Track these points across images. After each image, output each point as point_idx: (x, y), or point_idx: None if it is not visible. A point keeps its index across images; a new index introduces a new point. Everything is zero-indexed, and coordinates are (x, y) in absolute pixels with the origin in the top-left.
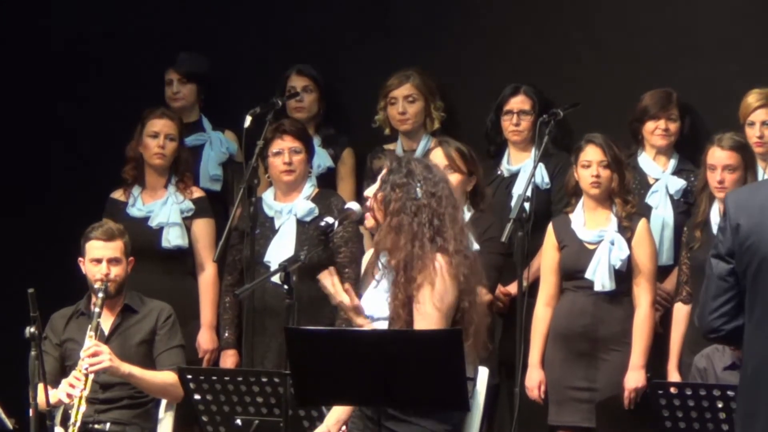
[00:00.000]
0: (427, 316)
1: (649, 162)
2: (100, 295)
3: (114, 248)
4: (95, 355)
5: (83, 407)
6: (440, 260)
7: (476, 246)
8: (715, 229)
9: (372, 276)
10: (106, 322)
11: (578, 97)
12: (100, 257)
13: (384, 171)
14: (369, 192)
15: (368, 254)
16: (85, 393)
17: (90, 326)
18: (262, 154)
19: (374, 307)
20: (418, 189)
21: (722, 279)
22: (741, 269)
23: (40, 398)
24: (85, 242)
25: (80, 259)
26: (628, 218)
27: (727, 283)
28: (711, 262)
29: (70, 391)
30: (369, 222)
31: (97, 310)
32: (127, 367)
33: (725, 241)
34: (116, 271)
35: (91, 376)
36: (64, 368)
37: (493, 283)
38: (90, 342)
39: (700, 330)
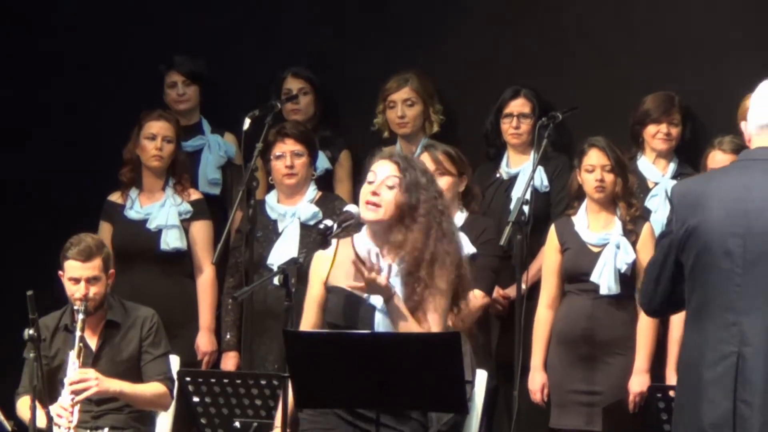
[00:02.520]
0: (442, 311)
1: (648, 166)
2: (81, 316)
3: (92, 267)
4: (81, 381)
5: None
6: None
7: (473, 249)
8: None
9: (349, 270)
10: (91, 340)
11: (578, 100)
12: (78, 277)
13: (385, 165)
14: (372, 188)
15: (328, 251)
16: (73, 424)
17: (73, 352)
18: (262, 157)
19: (380, 299)
20: (433, 187)
21: (669, 267)
22: (683, 257)
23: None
24: (63, 260)
25: (60, 272)
26: (632, 222)
27: (669, 273)
28: (659, 249)
29: (58, 422)
30: (371, 215)
31: (78, 333)
32: (116, 385)
33: (672, 231)
34: (95, 290)
35: (78, 406)
36: (55, 379)
37: (489, 286)
38: (73, 368)
39: (643, 306)
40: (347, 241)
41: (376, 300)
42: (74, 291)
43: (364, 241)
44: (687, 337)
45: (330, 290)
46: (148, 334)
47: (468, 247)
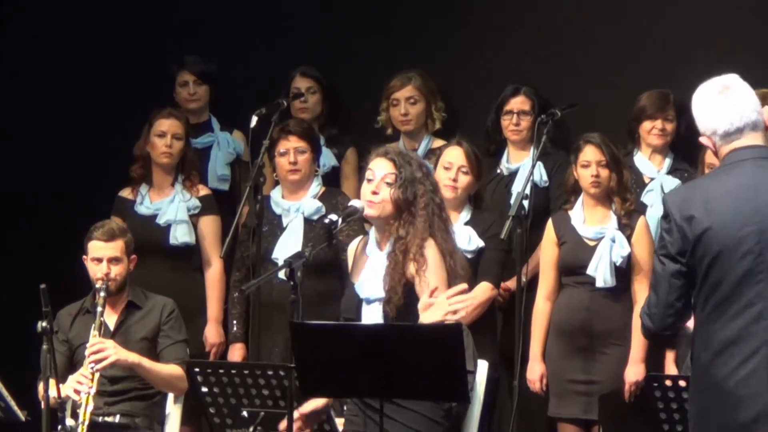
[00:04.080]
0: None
1: (644, 161)
2: (102, 294)
3: (114, 248)
4: (100, 351)
5: (91, 405)
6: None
7: (480, 242)
8: None
9: (361, 265)
10: (111, 318)
11: (576, 97)
12: (101, 257)
13: (381, 164)
14: (372, 187)
15: (354, 244)
16: (92, 391)
17: (93, 325)
18: (269, 154)
19: (370, 289)
20: (429, 181)
21: (674, 278)
22: (693, 262)
23: (52, 392)
24: (87, 241)
25: (84, 257)
26: (628, 216)
27: (679, 282)
28: (660, 262)
29: (78, 388)
30: (373, 211)
31: (99, 308)
32: (134, 357)
33: (674, 242)
34: (117, 270)
35: (98, 374)
36: (73, 364)
37: (497, 279)
38: (94, 340)
39: (651, 327)
40: (363, 242)
41: (365, 291)
42: (96, 271)
43: (371, 236)
44: (703, 339)
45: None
46: (168, 319)
47: (475, 241)
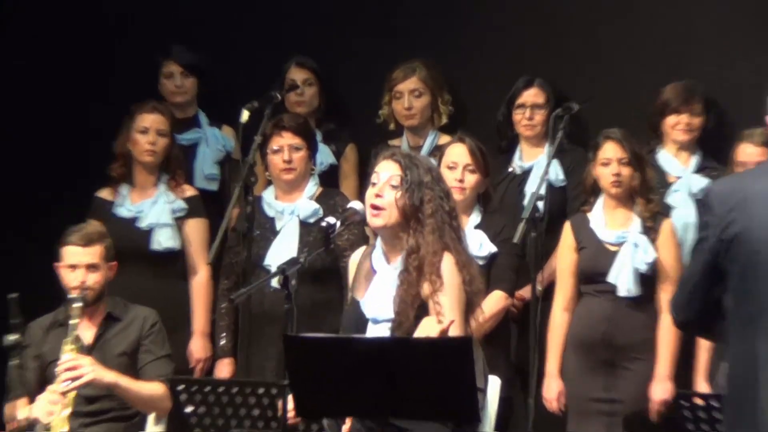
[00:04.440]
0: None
1: (669, 159)
2: (77, 304)
3: (92, 254)
4: (75, 368)
5: (65, 428)
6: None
7: (493, 247)
8: None
9: (366, 280)
10: (88, 332)
11: (595, 90)
12: (77, 263)
13: (388, 166)
14: (375, 190)
15: (357, 255)
16: (66, 413)
17: (65, 340)
18: (261, 151)
19: (378, 309)
20: (439, 187)
21: (705, 271)
22: (726, 263)
23: (21, 413)
24: (61, 247)
25: (57, 264)
26: (652, 218)
27: (708, 276)
28: (696, 255)
29: (50, 408)
30: (377, 221)
31: (74, 321)
32: (112, 376)
33: (709, 237)
34: (94, 279)
35: (73, 394)
36: (44, 382)
37: (511, 286)
38: (68, 356)
39: (676, 319)
40: (366, 252)
41: (372, 310)
42: (71, 279)
43: (377, 248)
44: (738, 350)
45: (351, 299)
46: (149, 332)
47: (487, 246)
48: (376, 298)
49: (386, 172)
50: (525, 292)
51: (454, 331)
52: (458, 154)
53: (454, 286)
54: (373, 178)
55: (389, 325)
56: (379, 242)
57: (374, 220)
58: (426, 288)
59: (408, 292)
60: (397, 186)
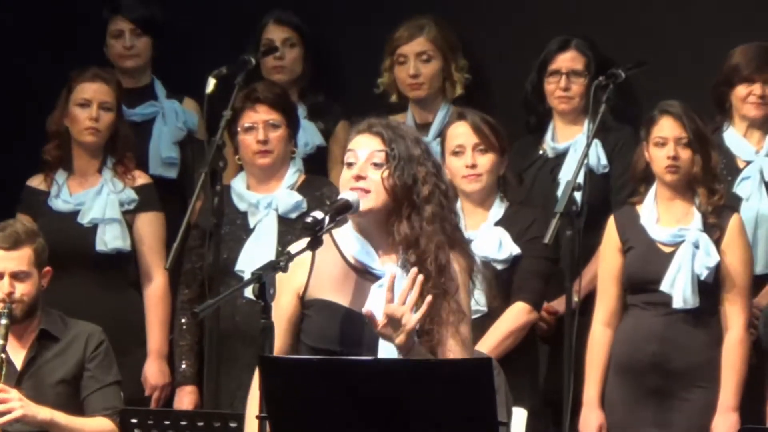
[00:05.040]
0: (468, 333)
1: (738, 139)
2: (3, 321)
3: (18, 259)
4: (1, 402)
5: None
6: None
7: (515, 249)
8: None
9: (344, 280)
10: (17, 355)
11: (646, 53)
12: (1, 271)
13: (365, 141)
14: (354, 172)
15: (305, 256)
16: None
17: None
18: (230, 130)
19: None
20: (431, 162)
21: None
22: None
23: None
24: None
25: None
26: (716, 213)
27: None
28: None
29: None
30: (368, 203)
31: None
32: (46, 413)
33: None
34: (23, 289)
35: None
36: None
37: (537, 297)
38: None
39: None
40: (327, 240)
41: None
42: None
43: (352, 242)
44: None
45: (310, 305)
46: (94, 355)
47: (508, 247)
48: (375, 305)
49: (365, 148)
50: (558, 304)
51: (466, 351)
52: (461, 134)
53: (466, 286)
54: (349, 158)
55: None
56: (350, 230)
57: (363, 204)
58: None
59: (435, 295)
60: (381, 164)
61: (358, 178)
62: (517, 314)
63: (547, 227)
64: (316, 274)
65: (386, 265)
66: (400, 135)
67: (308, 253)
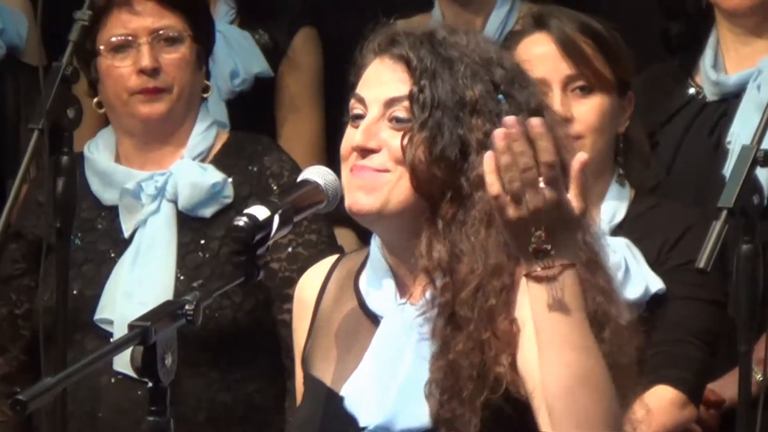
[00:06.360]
0: None
1: None
2: None
3: None
4: None
5: None
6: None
7: (656, 283)
8: None
9: (351, 338)
10: None
11: None
12: None
13: (385, 74)
14: (361, 134)
15: (311, 280)
16: None
17: None
18: (85, 48)
19: (389, 406)
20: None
21: None
22: None
23: None
24: None
25: None
26: None
27: None
28: None
29: None
30: (366, 201)
31: None
32: None
33: None
34: None
35: None
36: None
37: (697, 379)
38: None
39: None
40: (347, 266)
41: (369, 409)
42: None
43: (377, 268)
44: None
45: (305, 377)
46: None
47: (643, 278)
48: (383, 382)
49: (382, 87)
50: (724, 385)
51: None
52: (541, 57)
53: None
54: (354, 107)
55: None
56: (379, 253)
57: (361, 201)
58: (504, 359)
59: (460, 365)
60: (404, 119)
61: (363, 151)
62: (662, 408)
63: (705, 237)
64: (320, 322)
65: (405, 311)
66: (450, 57)
67: (312, 280)
